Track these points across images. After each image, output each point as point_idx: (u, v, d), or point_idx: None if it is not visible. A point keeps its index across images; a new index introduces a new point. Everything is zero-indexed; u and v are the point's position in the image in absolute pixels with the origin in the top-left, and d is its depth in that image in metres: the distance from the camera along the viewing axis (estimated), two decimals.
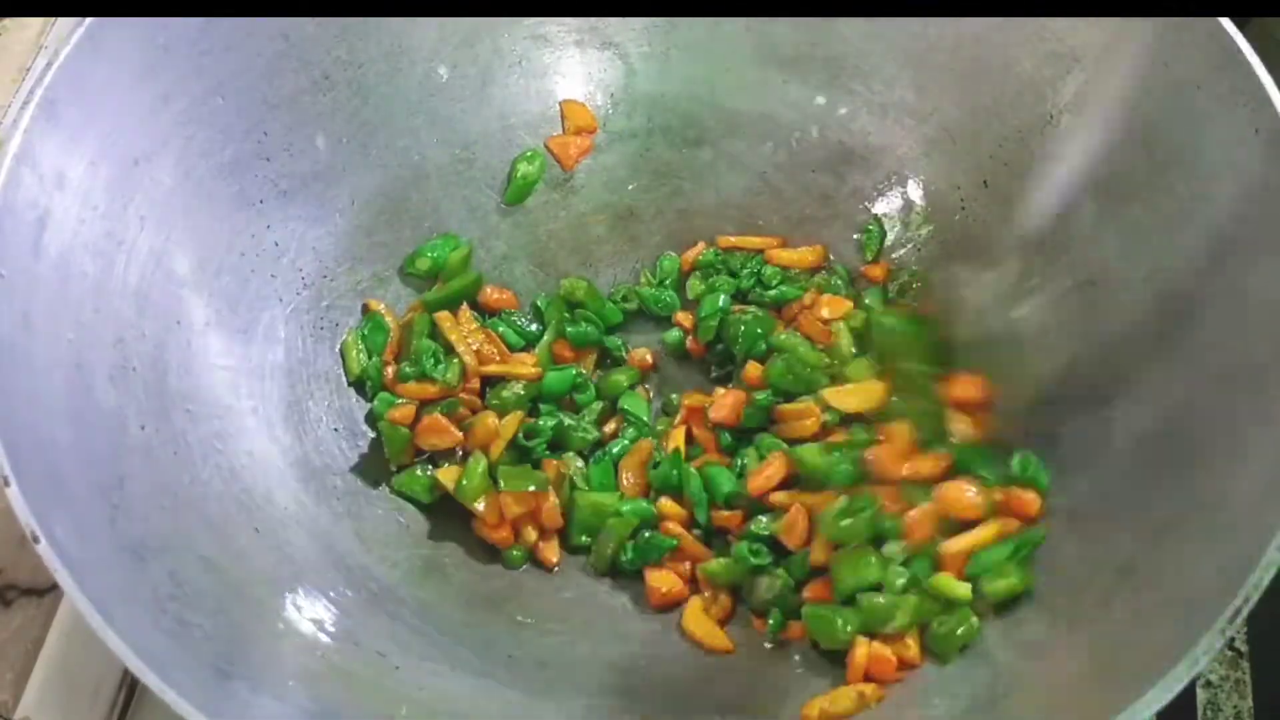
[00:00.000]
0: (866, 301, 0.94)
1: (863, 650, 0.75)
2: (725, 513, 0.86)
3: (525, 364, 0.91)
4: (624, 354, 0.96)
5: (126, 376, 0.76)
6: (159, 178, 0.81)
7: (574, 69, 1.00)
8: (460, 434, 0.88)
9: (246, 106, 0.87)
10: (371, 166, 0.94)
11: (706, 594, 0.84)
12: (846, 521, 0.78)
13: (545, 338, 0.94)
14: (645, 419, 0.93)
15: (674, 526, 0.86)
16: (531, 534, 0.87)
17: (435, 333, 0.91)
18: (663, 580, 0.85)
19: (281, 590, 0.76)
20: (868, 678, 0.75)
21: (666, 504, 0.87)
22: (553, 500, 0.86)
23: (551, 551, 0.87)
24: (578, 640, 0.83)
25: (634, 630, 0.84)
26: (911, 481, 0.80)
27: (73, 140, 0.76)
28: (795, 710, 0.75)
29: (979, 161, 0.93)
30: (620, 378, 0.94)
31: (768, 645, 0.82)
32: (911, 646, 0.75)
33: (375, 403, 0.89)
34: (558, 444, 0.90)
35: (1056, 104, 0.88)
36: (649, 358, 0.96)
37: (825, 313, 0.93)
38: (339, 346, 0.91)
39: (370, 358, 0.91)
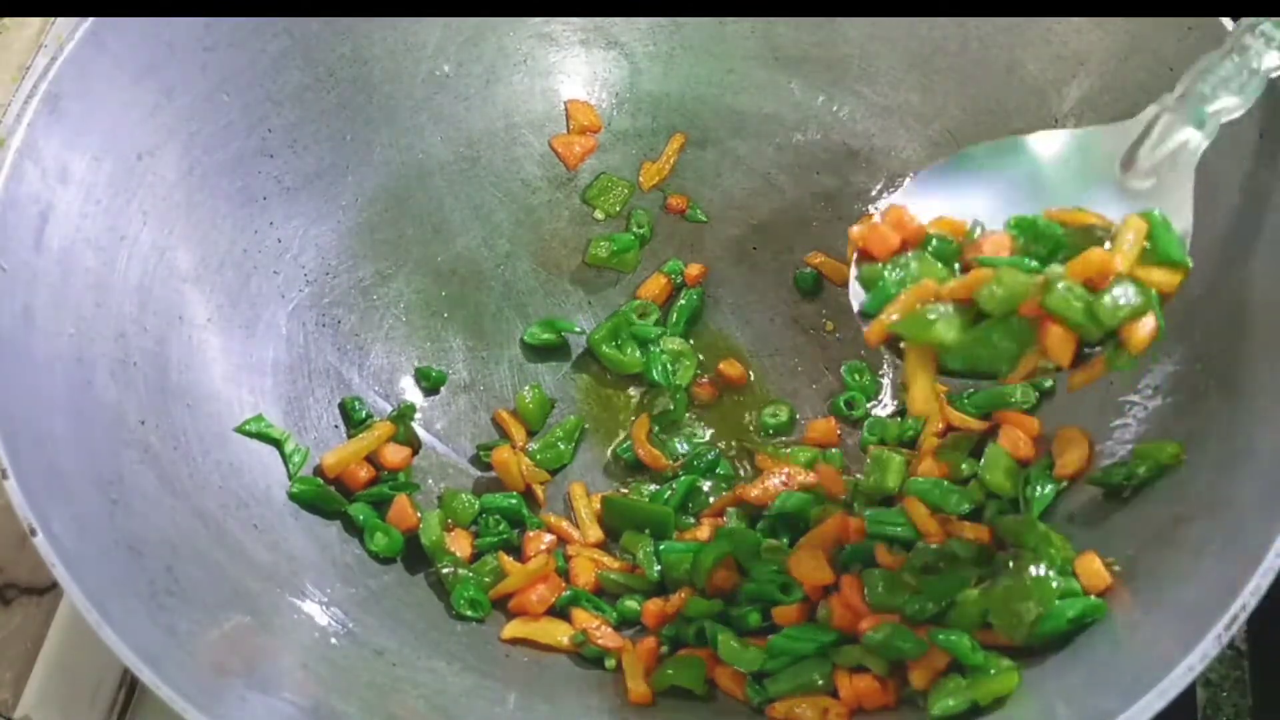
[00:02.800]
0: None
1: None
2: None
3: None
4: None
5: (127, 371, 0.76)
6: (162, 173, 0.81)
7: (579, 68, 0.99)
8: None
9: (250, 103, 0.87)
10: (375, 164, 0.94)
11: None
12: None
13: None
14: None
15: None
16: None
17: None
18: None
19: (280, 587, 0.76)
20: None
21: None
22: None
23: None
24: None
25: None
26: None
27: (76, 135, 0.76)
28: None
29: None
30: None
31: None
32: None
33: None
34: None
35: (1061, 107, 0.87)
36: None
37: None
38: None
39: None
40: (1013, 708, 0.67)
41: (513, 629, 0.82)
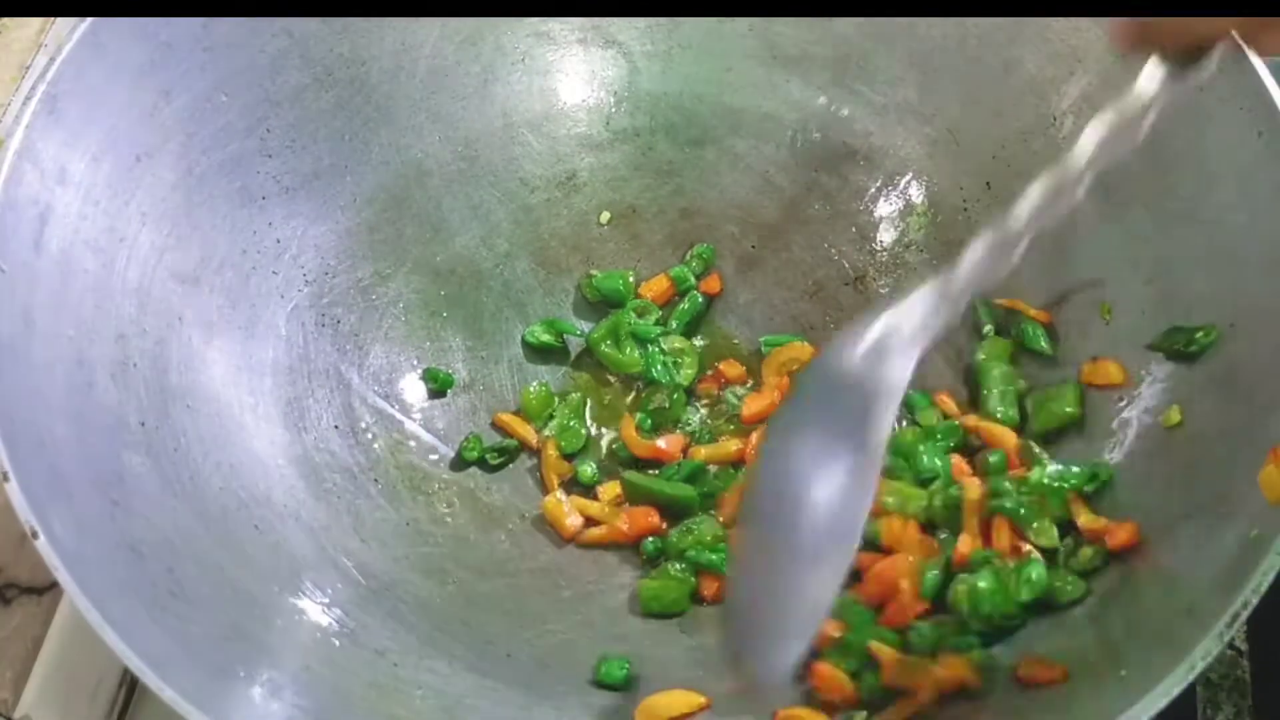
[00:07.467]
0: None
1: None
2: None
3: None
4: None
5: (127, 373, 0.76)
6: (161, 174, 0.81)
7: (577, 67, 0.99)
8: None
9: (249, 103, 0.87)
10: (374, 164, 0.94)
11: None
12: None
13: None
14: None
15: None
16: None
17: None
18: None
19: (280, 588, 0.76)
20: None
21: None
22: None
23: None
24: (577, 639, 0.83)
25: (633, 630, 0.84)
26: None
27: (75, 136, 0.76)
28: None
29: (981, 162, 0.93)
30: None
31: None
32: None
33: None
34: None
35: (1059, 105, 0.88)
36: None
37: None
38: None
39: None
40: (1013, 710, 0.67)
41: None
